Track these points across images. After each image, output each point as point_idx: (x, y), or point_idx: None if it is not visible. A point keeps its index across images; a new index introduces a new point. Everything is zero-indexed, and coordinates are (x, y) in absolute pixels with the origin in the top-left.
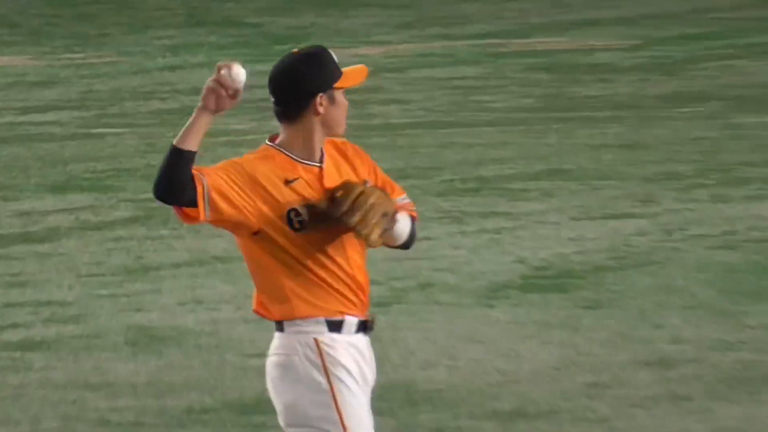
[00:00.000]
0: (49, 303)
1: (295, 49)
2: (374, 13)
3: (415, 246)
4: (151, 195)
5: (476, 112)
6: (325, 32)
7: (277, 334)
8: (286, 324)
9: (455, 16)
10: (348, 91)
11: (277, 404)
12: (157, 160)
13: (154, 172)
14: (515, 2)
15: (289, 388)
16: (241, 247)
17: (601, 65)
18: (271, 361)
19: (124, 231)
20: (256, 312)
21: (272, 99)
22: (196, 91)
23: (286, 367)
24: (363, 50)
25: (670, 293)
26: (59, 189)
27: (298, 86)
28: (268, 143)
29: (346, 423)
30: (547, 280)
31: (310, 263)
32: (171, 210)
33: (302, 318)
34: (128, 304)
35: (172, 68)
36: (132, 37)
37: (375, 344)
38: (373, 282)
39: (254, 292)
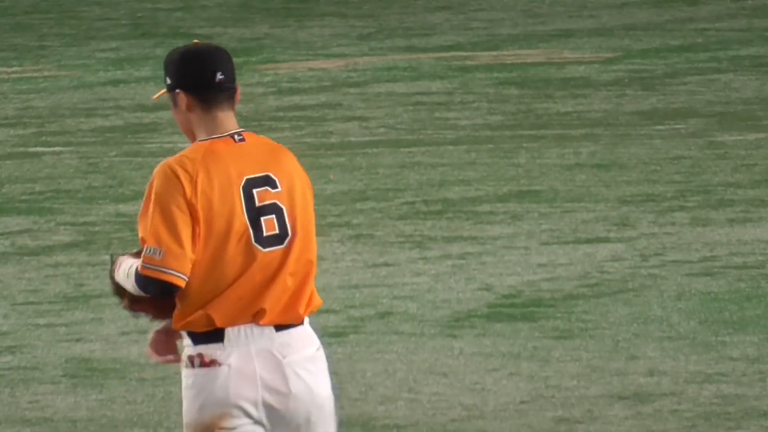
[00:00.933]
0: None
1: (195, 41)
2: (333, 24)
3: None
4: (92, 218)
5: (441, 129)
6: (280, 44)
7: (300, 330)
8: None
9: (419, 27)
10: (305, 108)
11: (326, 400)
12: (99, 181)
13: (95, 194)
14: (484, 12)
15: (327, 378)
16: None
17: (575, 80)
18: (316, 355)
19: (64, 257)
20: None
21: (223, 77)
22: (140, 107)
23: (322, 357)
24: (321, 63)
25: (646, 323)
26: None
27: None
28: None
29: None
30: (515, 309)
31: None
32: (111, 235)
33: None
34: (67, 334)
35: (116, 83)
36: (73, 50)
37: (332, 377)
38: (329, 310)
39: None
